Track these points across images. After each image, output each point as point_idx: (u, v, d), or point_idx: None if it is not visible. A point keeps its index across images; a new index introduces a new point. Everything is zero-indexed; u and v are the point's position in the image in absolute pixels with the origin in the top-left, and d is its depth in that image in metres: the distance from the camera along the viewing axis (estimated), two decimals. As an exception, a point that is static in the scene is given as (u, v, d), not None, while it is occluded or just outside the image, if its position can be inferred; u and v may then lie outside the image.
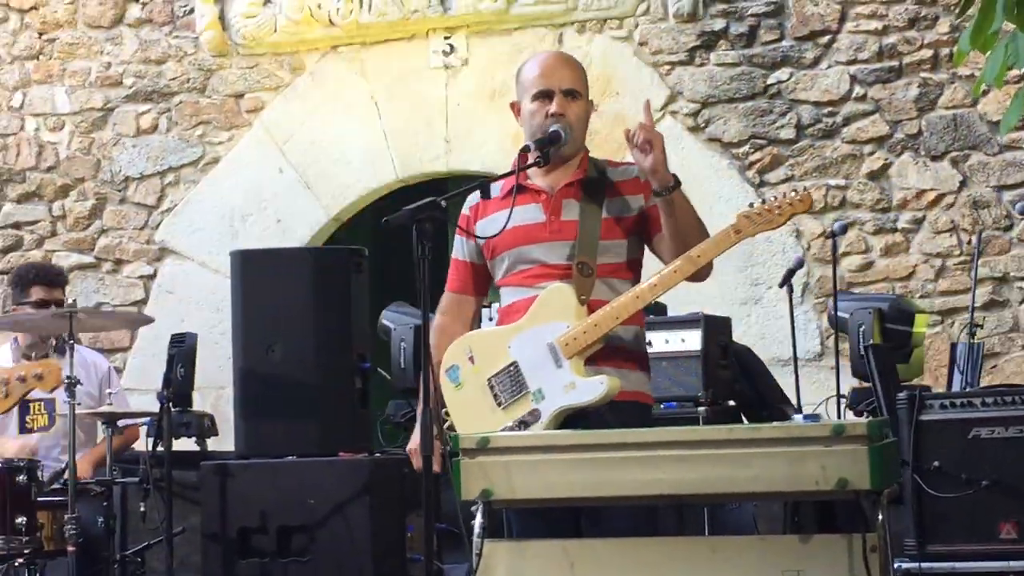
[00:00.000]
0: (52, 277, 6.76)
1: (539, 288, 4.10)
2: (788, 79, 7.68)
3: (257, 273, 5.94)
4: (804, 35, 7.66)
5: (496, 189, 4.21)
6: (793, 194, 4.03)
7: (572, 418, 4.00)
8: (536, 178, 4.20)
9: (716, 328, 6.06)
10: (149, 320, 6.45)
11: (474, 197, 4.25)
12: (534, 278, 4.12)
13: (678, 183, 4.00)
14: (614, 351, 4.07)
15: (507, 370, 4.08)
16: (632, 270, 4.18)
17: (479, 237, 4.21)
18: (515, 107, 4.28)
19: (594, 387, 4.00)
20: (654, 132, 4.00)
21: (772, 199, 4.06)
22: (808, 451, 3.52)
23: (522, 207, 4.14)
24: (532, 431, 3.99)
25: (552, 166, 4.18)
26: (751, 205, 4.04)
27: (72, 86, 8.51)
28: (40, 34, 8.54)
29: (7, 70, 8.58)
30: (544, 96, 4.17)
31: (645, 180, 4.08)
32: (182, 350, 6.34)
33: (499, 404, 4.07)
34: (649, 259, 4.24)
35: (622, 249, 4.13)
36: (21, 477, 5.79)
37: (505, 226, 4.08)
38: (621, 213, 4.14)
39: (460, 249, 4.31)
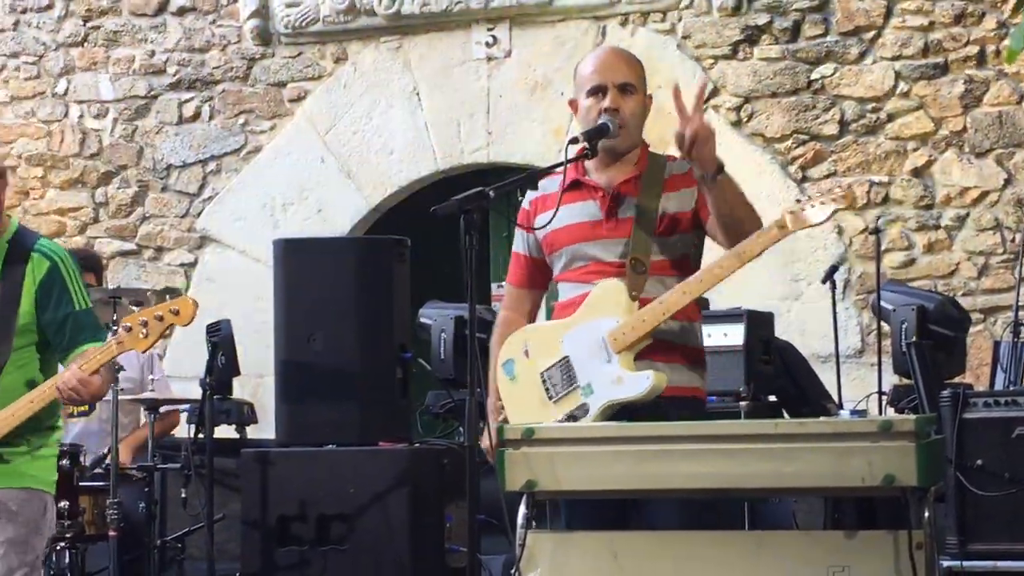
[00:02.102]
0: (83, 260, 6.79)
1: (594, 284, 4.10)
2: (832, 74, 7.64)
3: (299, 262, 5.95)
4: (849, 30, 7.63)
5: (555, 184, 4.20)
6: (837, 190, 4.01)
7: (622, 412, 4.00)
8: (594, 173, 4.20)
9: (758, 323, 6.04)
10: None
11: (538, 191, 4.25)
12: (590, 274, 4.13)
13: (722, 168, 3.98)
14: (665, 346, 4.07)
15: (559, 364, 4.08)
16: (688, 265, 4.16)
17: (535, 229, 4.22)
18: (573, 104, 4.28)
19: (640, 382, 4.00)
20: (704, 127, 3.96)
21: (816, 195, 4.04)
22: (855, 447, 3.49)
23: (580, 203, 4.15)
24: (580, 424, 3.99)
25: (609, 161, 4.17)
26: (797, 201, 4.03)
27: (116, 73, 8.54)
28: (84, 21, 8.59)
29: (52, 57, 8.63)
30: (598, 91, 4.15)
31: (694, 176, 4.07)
32: (222, 338, 6.36)
33: (551, 398, 4.08)
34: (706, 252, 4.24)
35: (678, 245, 4.13)
36: (64, 462, 5.82)
37: (550, 222, 4.08)
38: (679, 209, 4.13)
39: (520, 243, 4.33)
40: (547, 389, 4.09)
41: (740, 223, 3.99)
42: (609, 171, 4.18)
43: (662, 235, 4.11)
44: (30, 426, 4.17)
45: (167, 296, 4.53)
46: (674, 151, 4.09)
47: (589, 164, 4.20)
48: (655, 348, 4.06)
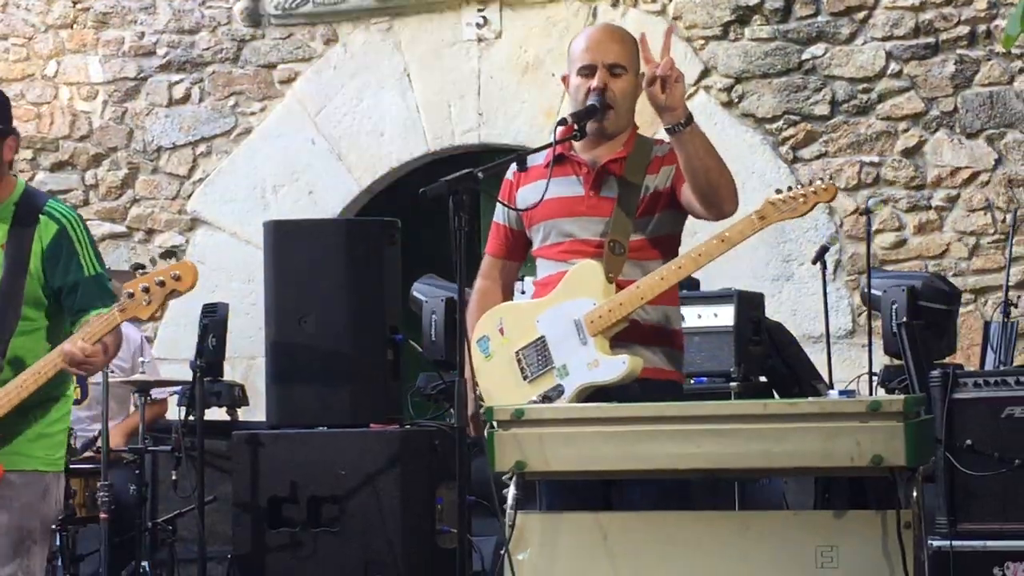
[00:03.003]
0: None
1: (571, 264, 4.10)
2: (823, 55, 7.63)
3: (290, 244, 5.95)
4: (840, 11, 7.61)
5: (539, 157, 4.20)
6: (819, 183, 4.00)
7: (597, 395, 4.01)
8: (581, 151, 4.19)
9: (749, 304, 6.04)
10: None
11: (522, 163, 4.24)
12: (567, 253, 4.12)
13: (691, 119, 3.95)
14: (641, 330, 4.07)
15: (534, 344, 4.09)
16: (669, 247, 4.16)
17: (517, 209, 4.21)
18: (565, 80, 4.27)
19: (616, 366, 4.00)
20: (674, 69, 3.93)
21: (798, 187, 4.03)
22: (843, 427, 3.51)
23: (563, 179, 4.14)
24: (569, 405, 4.00)
25: (597, 141, 4.16)
26: (777, 191, 4.02)
27: (106, 55, 8.52)
28: (74, 3, 8.56)
29: (41, 39, 8.60)
30: (588, 71, 4.15)
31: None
32: (214, 320, 6.36)
33: (525, 377, 4.09)
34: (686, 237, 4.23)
35: (658, 226, 4.11)
36: (53, 444, 5.83)
37: (543, 197, 4.08)
38: (659, 186, 4.12)
39: (501, 213, 4.32)
40: (522, 369, 4.10)
41: (714, 185, 3.97)
42: (597, 149, 4.18)
43: (643, 216, 4.10)
44: (32, 400, 4.00)
45: (172, 259, 4.37)
46: (663, 136, 4.09)
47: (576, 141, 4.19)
48: (632, 332, 4.06)
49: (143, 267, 4.05)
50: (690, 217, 4.17)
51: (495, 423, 3.74)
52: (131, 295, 3.87)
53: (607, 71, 4.14)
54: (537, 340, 4.08)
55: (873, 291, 6.12)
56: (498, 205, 4.33)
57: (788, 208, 3.97)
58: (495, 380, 4.13)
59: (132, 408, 6.64)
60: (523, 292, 7.21)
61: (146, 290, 3.86)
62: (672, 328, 4.17)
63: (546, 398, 4.00)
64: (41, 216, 4.05)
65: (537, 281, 4.22)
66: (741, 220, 4.00)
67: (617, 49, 4.18)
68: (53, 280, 4.02)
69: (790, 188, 4.03)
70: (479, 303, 4.26)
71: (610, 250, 4.06)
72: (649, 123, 4.39)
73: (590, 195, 4.13)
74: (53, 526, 4.39)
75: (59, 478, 4.15)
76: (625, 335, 4.05)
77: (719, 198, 4.00)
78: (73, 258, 4.03)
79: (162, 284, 3.86)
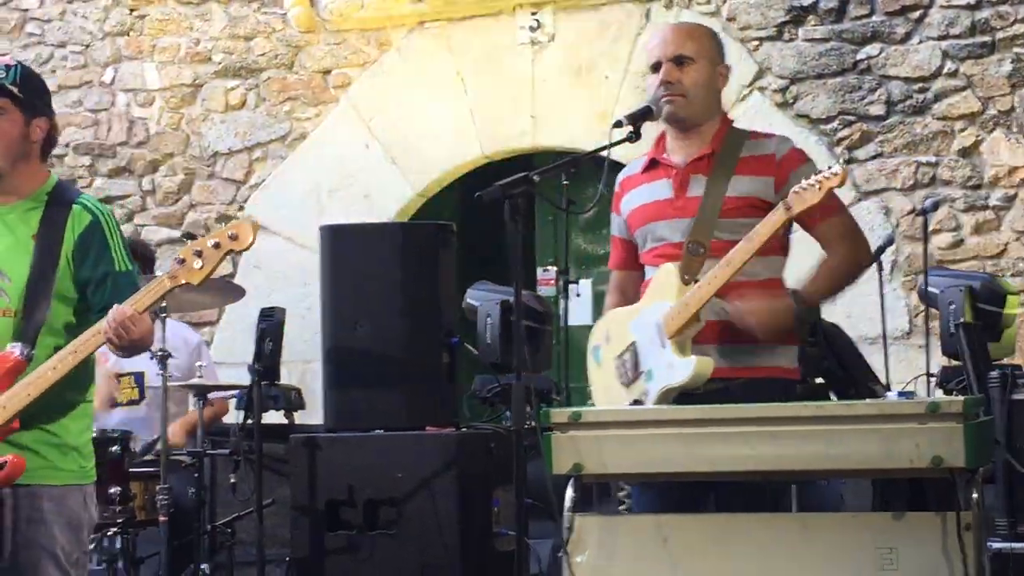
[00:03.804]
0: (133, 251, 6.83)
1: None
2: (878, 54, 7.60)
3: (346, 248, 5.96)
4: (895, 10, 7.57)
5: (637, 165, 4.23)
6: (832, 168, 3.96)
7: (685, 397, 3.99)
8: (671, 151, 4.20)
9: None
10: (241, 292, 6.48)
11: (623, 173, 4.27)
12: (659, 257, 4.14)
13: (801, 302, 4.13)
14: (726, 328, 4.05)
15: (629, 349, 4.10)
16: (760, 248, 4.13)
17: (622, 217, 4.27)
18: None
19: (685, 367, 3.98)
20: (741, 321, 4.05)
21: (816, 174, 3.99)
22: (902, 428, 3.49)
23: (656, 183, 4.17)
24: (626, 408, 4.00)
25: (685, 137, 4.17)
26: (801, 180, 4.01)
27: (162, 62, 8.60)
28: (131, 10, 8.64)
29: (98, 46, 8.68)
30: (656, 67, 4.19)
31: (780, 159, 4.10)
32: (271, 324, 6.39)
33: (623, 383, 4.11)
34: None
35: (742, 229, 4.06)
36: (114, 448, 5.89)
37: (639, 204, 4.13)
38: (749, 192, 4.09)
39: (614, 226, 4.36)
40: (620, 375, 4.12)
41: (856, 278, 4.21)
42: (685, 147, 4.18)
43: (730, 217, 4.08)
44: (58, 405, 3.89)
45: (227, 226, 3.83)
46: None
47: (668, 142, 4.21)
48: (718, 330, 4.04)
49: (194, 236, 3.82)
50: None
51: (552, 426, 3.75)
52: (182, 261, 3.71)
53: (672, 64, 4.15)
54: (631, 345, 4.10)
55: (931, 289, 6.08)
56: (612, 217, 4.35)
57: (808, 196, 3.91)
58: (604, 388, 4.18)
59: (190, 408, 6.69)
60: (578, 295, 7.23)
61: (199, 254, 3.68)
62: None
63: (636, 402, 4.01)
64: (74, 206, 3.94)
65: (643, 285, 4.25)
66: (770, 215, 3.97)
67: (681, 41, 4.20)
68: (82, 271, 3.90)
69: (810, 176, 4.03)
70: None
71: (688, 251, 4.05)
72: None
73: (678, 196, 4.13)
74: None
75: (92, 488, 4.06)
76: (715, 334, 4.03)
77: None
78: (105, 251, 3.92)
79: (217, 246, 3.67)
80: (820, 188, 3.91)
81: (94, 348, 3.81)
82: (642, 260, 4.23)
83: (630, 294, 4.30)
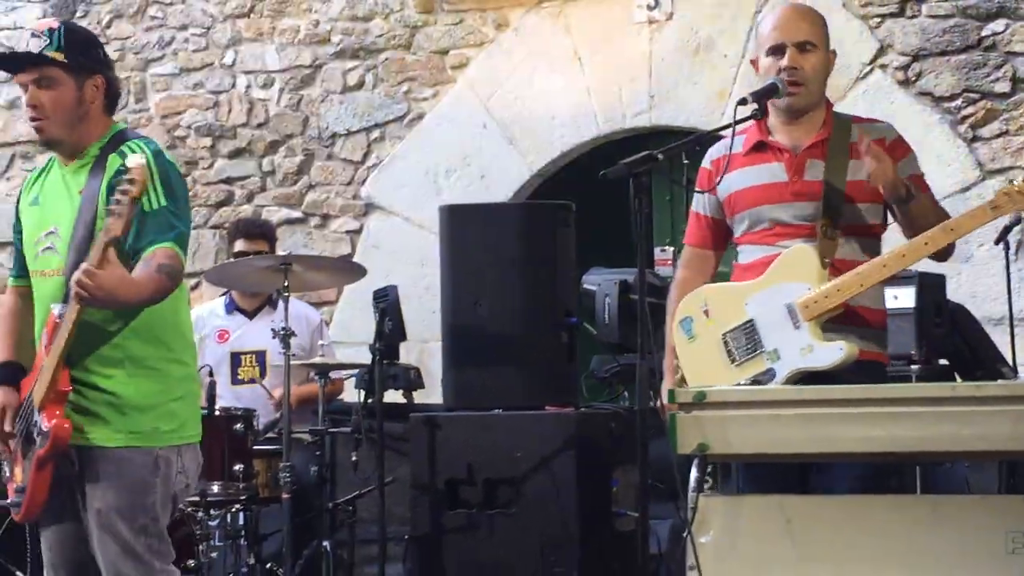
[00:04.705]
0: (252, 229, 6.92)
1: (780, 247, 4.08)
2: (1004, 31, 7.45)
3: (465, 228, 5.99)
4: (1021, -15, 7.43)
5: (738, 144, 4.17)
6: None
7: (805, 379, 3.97)
8: (778, 135, 4.17)
9: (931, 286, 5.93)
10: (362, 271, 6.51)
11: (715, 151, 4.24)
12: (775, 236, 4.11)
13: (909, 195, 3.97)
14: (854, 313, 4.03)
15: (743, 327, 4.06)
16: (878, 231, 4.14)
17: (718, 197, 4.22)
18: (755, 63, 4.26)
19: (832, 352, 3.96)
20: (881, 164, 3.97)
21: None
22: (1034, 410, 3.44)
23: (764, 166, 4.13)
24: (752, 388, 3.98)
25: (792, 121, 4.14)
26: (1011, 182, 3.94)
27: (282, 44, 8.66)
28: (251, -8, 8.73)
29: (219, 28, 8.77)
30: (778, 51, 4.14)
31: (890, 144, 4.08)
32: (390, 303, 6.43)
33: (732, 361, 4.07)
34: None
35: (866, 212, 4.10)
36: (238, 426, 5.96)
37: (745, 186, 4.09)
38: (864, 177, 4.07)
39: (700, 203, 4.32)
40: (729, 352, 4.07)
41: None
42: (793, 132, 4.16)
43: (851, 200, 4.08)
44: (106, 363, 3.84)
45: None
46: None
47: (772, 124, 4.18)
48: (844, 315, 4.02)
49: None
50: None
51: (677, 405, 3.73)
52: (109, 212, 3.71)
53: (796, 49, 4.12)
54: (746, 323, 4.06)
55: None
56: (695, 196, 4.32)
57: (1022, 199, 3.87)
58: (699, 362, 4.12)
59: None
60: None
61: (117, 203, 3.69)
62: (879, 307, 4.15)
63: (756, 381, 3.99)
64: (112, 155, 3.91)
65: (739, 264, 4.20)
66: (974, 210, 3.95)
67: (806, 27, 4.16)
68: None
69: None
70: (679, 292, 4.27)
71: (823, 234, 4.03)
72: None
73: (794, 180, 4.10)
74: (180, 503, 4.19)
75: (179, 451, 3.95)
76: (839, 318, 4.01)
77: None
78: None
79: (125, 192, 3.69)
80: None
81: (79, 308, 3.75)
82: (745, 240, 4.19)
83: (706, 272, 4.30)
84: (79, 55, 3.96)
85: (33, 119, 3.95)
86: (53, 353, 3.83)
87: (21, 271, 4.15)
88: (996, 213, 3.90)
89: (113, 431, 3.88)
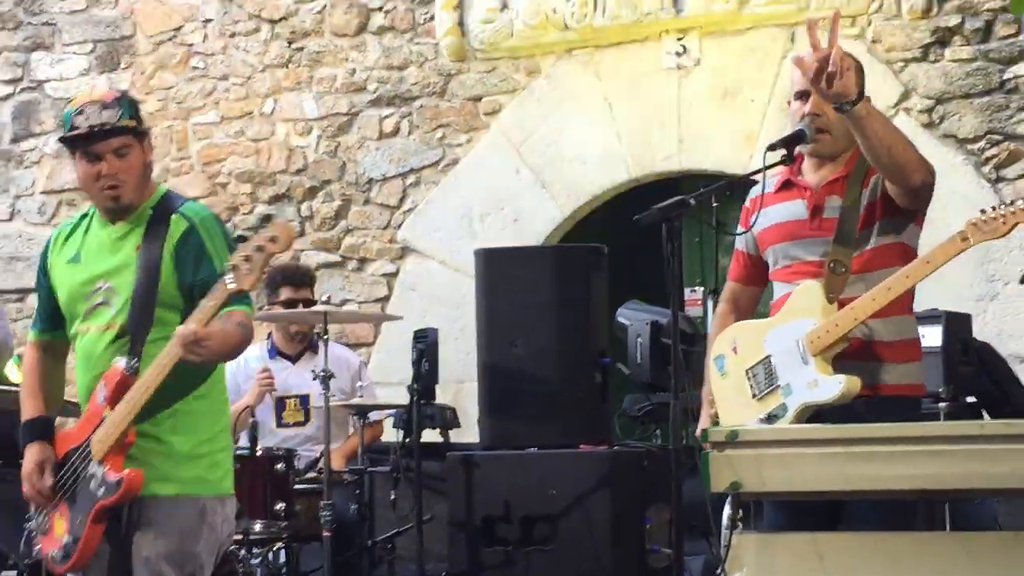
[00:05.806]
0: (299, 277, 7.07)
1: (797, 284, 4.20)
2: (1026, 74, 7.56)
3: (500, 271, 6.12)
4: (1043, 29, 7.54)
5: (773, 183, 4.29)
6: (1020, 202, 4.00)
7: (822, 414, 4.08)
8: (807, 174, 4.28)
9: (957, 324, 6.03)
10: (396, 318, 6.64)
11: (755, 190, 4.35)
12: (794, 274, 4.23)
13: (862, 97, 3.96)
14: (868, 348, 4.13)
15: (763, 363, 4.18)
16: (895, 256, 4.18)
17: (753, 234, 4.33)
18: (790, 104, 4.36)
19: (832, 386, 4.07)
20: (844, 59, 3.94)
21: (999, 207, 4.04)
22: (1063, 447, 3.50)
23: (790, 203, 4.24)
24: (778, 425, 4.08)
25: (821, 162, 4.26)
26: (981, 211, 4.03)
27: (319, 92, 8.81)
28: (289, 43, 8.87)
29: (259, 78, 8.93)
30: (803, 95, 4.23)
31: None
32: (428, 344, 6.55)
33: (754, 395, 4.19)
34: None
35: (879, 235, 4.17)
36: (279, 465, 6.08)
37: (771, 223, 4.20)
38: (873, 196, 4.17)
39: (741, 240, 4.45)
40: (751, 386, 4.20)
41: (900, 161, 3.99)
42: (820, 171, 4.27)
43: (864, 228, 4.17)
44: (164, 415, 3.91)
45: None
46: None
47: (804, 163, 4.29)
48: (857, 348, 4.11)
49: (244, 238, 3.93)
50: None
51: (710, 444, 3.81)
52: (234, 267, 3.76)
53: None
54: (764, 359, 4.18)
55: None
56: (739, 232, 4.43)
57: (989, 229, 3.99)
58: (728, 398, 4.25)
59: (351, 430, 6.87)
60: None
61: (247, 259, 3.76)
62: (905, 338, 4.22)
63: (772, 416, 4.09)
64: (173, 216, 4.00)
65: (773, 302, 4.33)
66: (945, 242, 4.04)
67: None
68: (184, 278, 3.94)
69: (993, 208, 4.04)
70: (717, 326, 4.41)
71: (830, 270, 4.15)
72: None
73: (814, 217, 4.22)
74: (227, 549, 4.26)
75: (222, 501, 4.04)
76: (852, 352, 4.10)
77: (906, 172, 4.03)
78: (203, 255, 3.95)
79: (260, 249, 3.75)
80: (1005, 223, 3.95)
81: (171, 361, 3.82)
82: (773, 277, 4.32)
83: (743, 307, 4.44)
84: (141, 120, 4.11)
85: (112, 187, 4.03)
86: (127, 406, 3.90)
87: (47, 324, 4.22)
88: (965, 244, 3.98)
89: (164, 480, 3.97)
